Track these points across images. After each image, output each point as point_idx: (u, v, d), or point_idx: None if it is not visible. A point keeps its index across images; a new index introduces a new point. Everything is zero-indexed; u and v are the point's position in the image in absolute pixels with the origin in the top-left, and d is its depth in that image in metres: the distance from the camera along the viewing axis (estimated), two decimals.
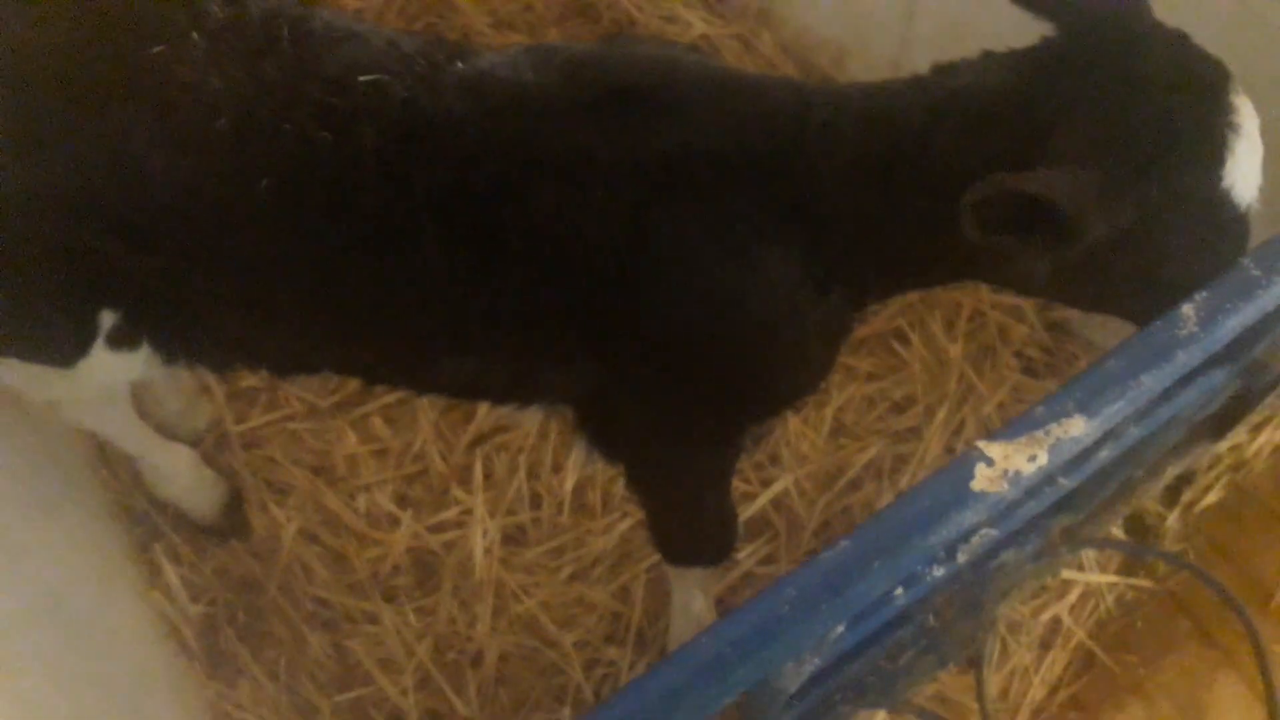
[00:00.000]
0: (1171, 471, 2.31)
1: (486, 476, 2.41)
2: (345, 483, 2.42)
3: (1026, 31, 2.25)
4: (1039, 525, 1.96)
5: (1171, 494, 2.47)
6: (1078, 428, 0.98)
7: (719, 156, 1.42)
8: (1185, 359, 1.02)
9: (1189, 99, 1.25)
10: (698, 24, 2.94)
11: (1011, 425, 0.99)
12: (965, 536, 1.32)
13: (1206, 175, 1.23)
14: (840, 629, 1.05)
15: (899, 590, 1.34)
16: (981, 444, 0.98)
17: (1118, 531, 2.38)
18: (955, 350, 2.55)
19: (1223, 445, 2.46)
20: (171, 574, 2.28)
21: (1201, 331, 1.03)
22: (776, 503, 2.39)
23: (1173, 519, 2.44)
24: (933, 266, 1.50)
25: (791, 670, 1.20)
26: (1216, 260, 1.21)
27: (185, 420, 2.40)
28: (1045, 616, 2.32)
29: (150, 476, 2.29)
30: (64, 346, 1.56)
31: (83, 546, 2.03)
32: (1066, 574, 2.34)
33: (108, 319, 1.53)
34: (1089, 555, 2.37)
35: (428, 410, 2.48)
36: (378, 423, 2.48)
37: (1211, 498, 2.48)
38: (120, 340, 1.56)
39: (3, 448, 1.93)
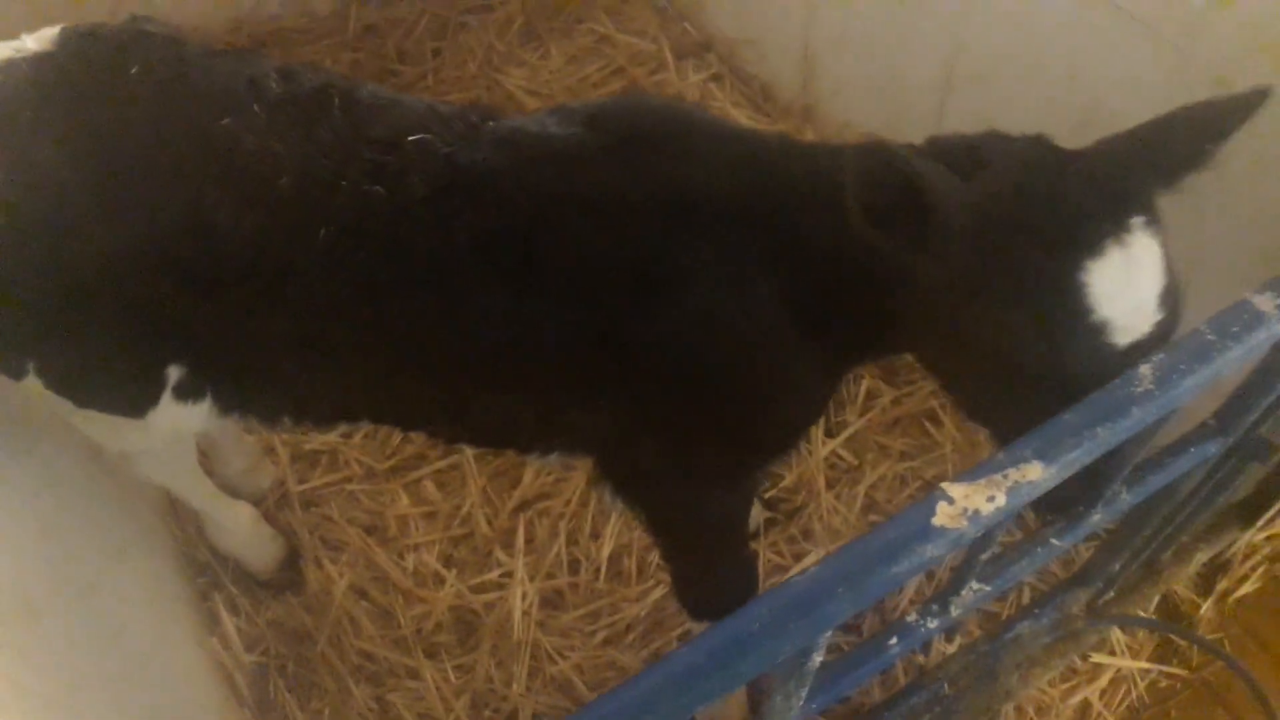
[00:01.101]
0: (1200, 556, 2.33)
1: (528, 541, 2.52)
2: (395, 542, 2.55)
3: (1050, 125, 2.37)
4: (1053, 599, 2.01)
5: (1206, 581, 2.47)
6: (1035, 473, 1.06)
7: (719, 197, 1.55)
8: (1140, 415, 1.10)
9: (1084, 216, 1.29)
10: (744, 121, 3.12)
11: (973, 469, 1.07)
12: (954, 589, 1.39)
13: (1076, 295, 1.23)
14: (818, 657, 1.13)
15: (892, 641, 1.42)
16: (945, 485, 1.06)
17: (1147, 615, 2.38)
18: (986, 433, 2.61)
19: (1260, 535, 2.46)
20: (229, 623, 2.41)
21: (1157, 390, 1.11)
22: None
23: (1207, 607, 2.44)
24: (885, 327, 1.57)
25: (781, 704, 1.28)
26: (1075, 394, 1.18)
27: (249, 480, 2.56)
28: (1075, 700, 2.32)
29: (212, 530, 2.44)
30: (136, 398, 1.72)
31: (147, 590, 2.18)
32: (1097, 657, 2.35)
33: (174, 373, 1.69)
34: (1120, 640, 2.38)
35: (476, 476, 2.61)
36: (429, 486, 2.62)
37: (1249, 587, 2.48)
38: (185, 392, 1.72)
39: (83, 495, 2.10)
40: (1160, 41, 2.06)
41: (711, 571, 1.95)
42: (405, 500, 2.60)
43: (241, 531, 2.43)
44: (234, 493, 2.48)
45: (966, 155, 1.45)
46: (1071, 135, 2.33)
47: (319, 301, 1.58)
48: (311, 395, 1.78)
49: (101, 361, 1.67)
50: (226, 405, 1.78)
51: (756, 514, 2.55)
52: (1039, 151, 1.42)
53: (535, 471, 2.61)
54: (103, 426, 1.84)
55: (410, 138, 1.56)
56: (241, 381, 1.74)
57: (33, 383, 1.68)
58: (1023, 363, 1.28)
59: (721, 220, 1.55)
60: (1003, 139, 1.49)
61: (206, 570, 2.49)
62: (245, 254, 1.54)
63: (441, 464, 2.64)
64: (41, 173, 1.50)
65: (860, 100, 2.90)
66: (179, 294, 1.57)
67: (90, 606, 1.86)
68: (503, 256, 1.57)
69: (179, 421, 1.77)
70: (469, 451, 2.62)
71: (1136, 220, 1.29)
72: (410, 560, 2.52)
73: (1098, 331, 1.24)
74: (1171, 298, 1.29)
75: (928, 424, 2.66)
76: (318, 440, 2.67)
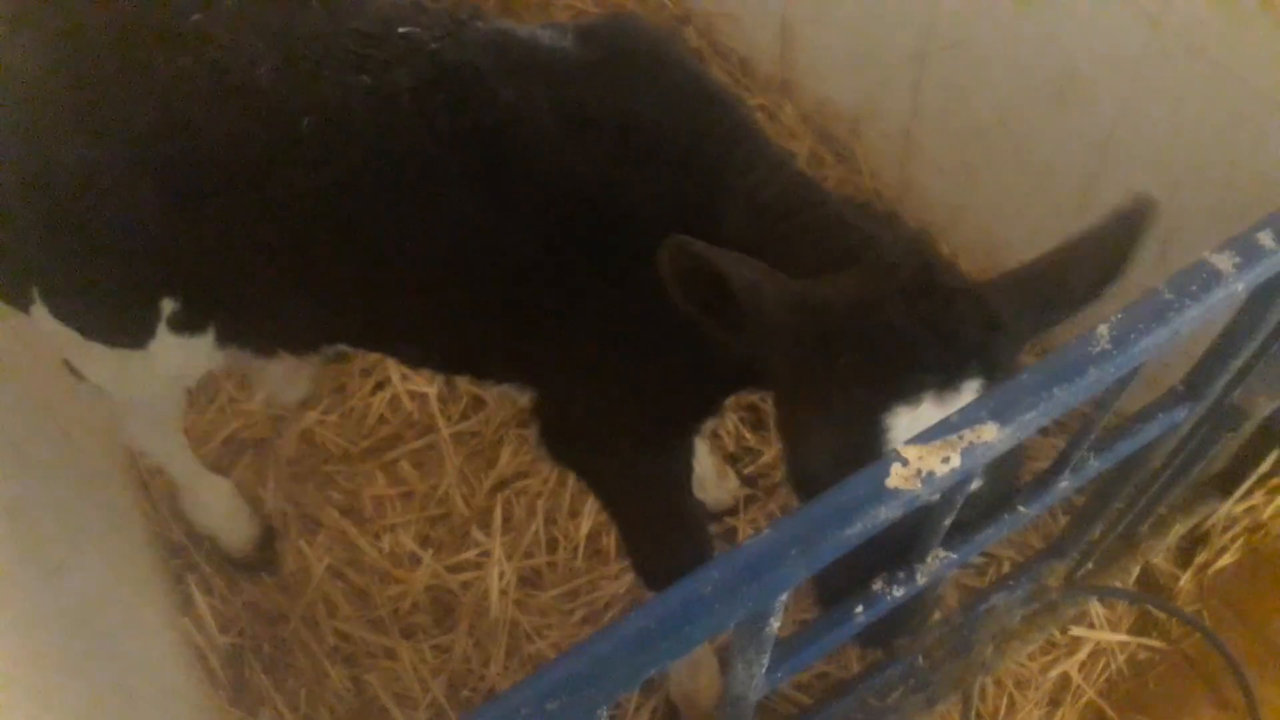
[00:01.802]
0: (1179, 529, 2.33)
1: (506, 520, 2.51)
2: (371, 523, 2.53)
3: (1026, 94, 2.35)
4: (1028, 570, 2.00)
5: (1185, 554, 2.47)
6: (990, 433, 1.05)
7: (666, 138, 1.53)
8: (1098, 375, 1.09)
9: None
10: None
11: (928, 430, 1.06)
12: (919, 556, 1.38)
13: (875, 436, 1.19)
14: (774, 622, 1.11)
15: (859, 609, 1.40)
16: (898, 446, 1.05)
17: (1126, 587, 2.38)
18: None
19: (1238, 507, 2.46)
20: (202, 604, 2.39)
21: (1114, 349, 1.09)
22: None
23: (1186, 579, 2.43)
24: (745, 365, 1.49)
25: (743, 673, 1.27)
26: None
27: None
28: (1054, 673, 2.32)
29: (189, 505, 2.43)
30: (133, 327, 1.71)
31: (118, 571, 2.16)
32: (1076, 631, 2.34)
33: (169, 303, 1.68)
34: (1099, 614, 2.37)
35: (453, 456, 2.60)
36: (406, 466, 2.60)
37: (1227, 559, 2.47)
38: (182, 323, 1.71)
39: (52, 475, 2.08)
40: (1135, 9, 2.04)
41: (657, 539, 1.93)
42: (382, 480, 2.59)
43: (219, 507, 2.42)
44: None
45: (842, 246, 1.39)
46: (1048, 104, 2.33)
47: (302, 201, 1.55)
48: (296, 315, 1.75)
49: (97, 286, 1.66)
50: (222, 336, 1.76)
51: (735, 490, 2.54)
52: (908, 267, 1.30)
53: (513, 450, 2.60)
54: (110, 366, 1.84)
55: (399, 29, 1.53)
56: (231, 306, 1.72)
57: (40, 313, 1.68)
58: (816, 474, 1.26)
59: (663, 163, 1.53)
60: (888, 233, 1.40)
61: (180, 551, 2.48)
62: (225, 153, 1.51)
63: (418, 444, 2.62)
64: (18, 80, 1.49)
65: (838, 73, 2.88)
66: (162, 207, 1.54)
67: (58, 586, 1.84)
68: (475, 158, 1.54)
69: (178, 355, 1.76)
70: (445, 431, 2.61)
71: (971, 383, 1.21)
72: (386, 540, 2.51)
73: None
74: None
75: None
76: (293, 420, 2.65)
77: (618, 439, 1.76)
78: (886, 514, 1.03)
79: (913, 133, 2.75)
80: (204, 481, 2.38)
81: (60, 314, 1.69)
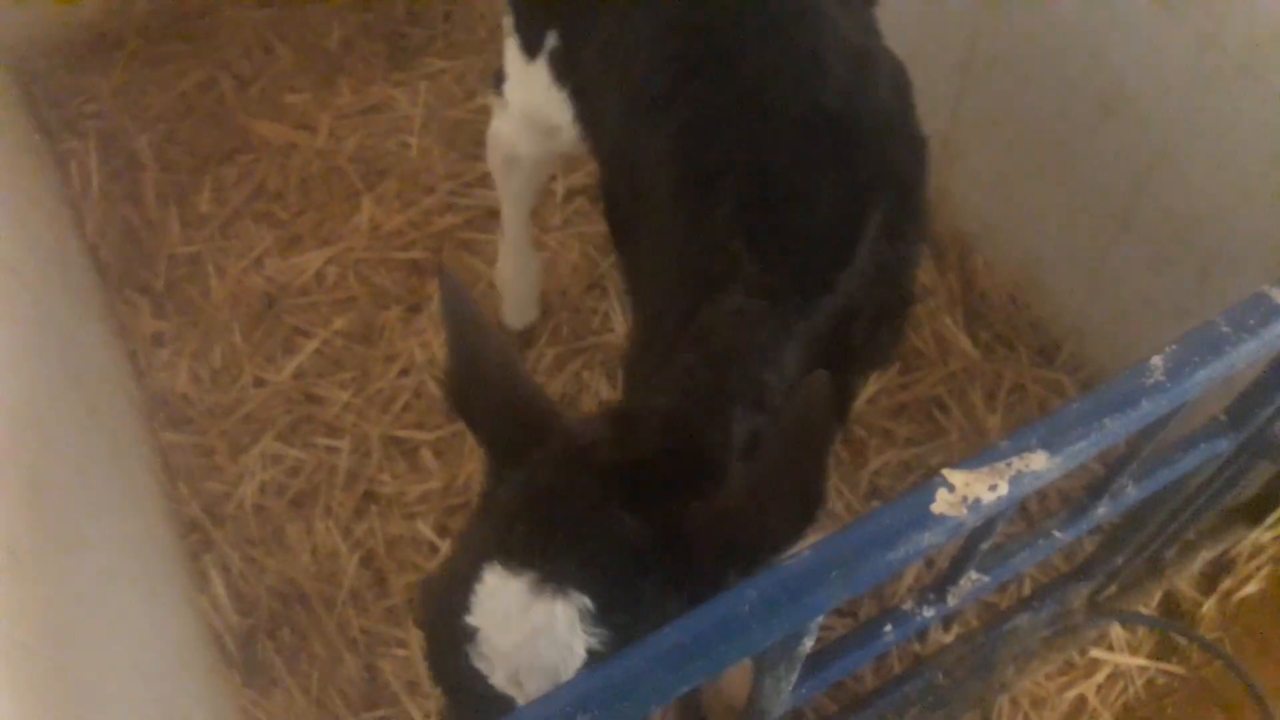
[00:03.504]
0: (1205, 555, 2.30)
1: None
2: (390, 510, 2.52)
3: (1071, 106, 2.32)
4: (1054, 591, 1.98)
5: (1209, 580, 2.44)
6: (1039, 462, 1.03)
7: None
8: (1150, 407, 1.07)
9: None
10: None
11: (976, 456, 1.04)
12: (952, 578, 1.36)
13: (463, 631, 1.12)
14: (809, 642, 1.10)
15: (887, 628, 1.39)
16: (945, 471, 1.03)
17: (1149, 612, 2.35)
18: (994, 421, 2.57)
19: (1266, 536, 2.43)
20: (218, 584, 2.39)
21: (1168, 382, 1.07)
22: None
23: (1209, 605, 2.40)
24: None
25: (770, 689, 1.25)
26: None
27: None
28: (1070, 694, 2.29)
29: (500, 263, 2.66)
30: (532, 44, 1.94)
31: (137, 547, 2.16)
32: (1095, 653, 2.32)
33: (551, 38, 1.88)
34: (1119, 636, 2.35)
35: (475, 447, 2.59)
36: (427, 454, 2.59)
37: (1252, 588, 2.44)
38: (553, 62, 1.90)
39: (73, 449, 2.07)
40: (1184, 25, 2.01)
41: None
42: (402, 466, 2.58)
43: (524, 279, 2.62)
44: None
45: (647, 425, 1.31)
46: (1092, 117, 2.29)
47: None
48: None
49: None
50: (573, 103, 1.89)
51: None
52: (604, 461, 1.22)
53: None
54: (519, 76, 2.06)
55: None
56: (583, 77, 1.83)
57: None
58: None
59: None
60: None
61: (197, 528, 2.47)
62: None
63: (441, 432, 2.61)
64: None
65: None
66: None
67: (77, 561, 1.84)
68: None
69: (546, 91, 1.93)
70: None
71: (570, 609, 1.09)
72: (404, 528, 2.49)
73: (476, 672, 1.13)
74: None
75: (935, 410, 2.62)
76: (321, 408, 2.64)
77: None
78: (931, 539, 1.01)
79: (952, 141, 2.71)
80: (527, 247, 2.58)
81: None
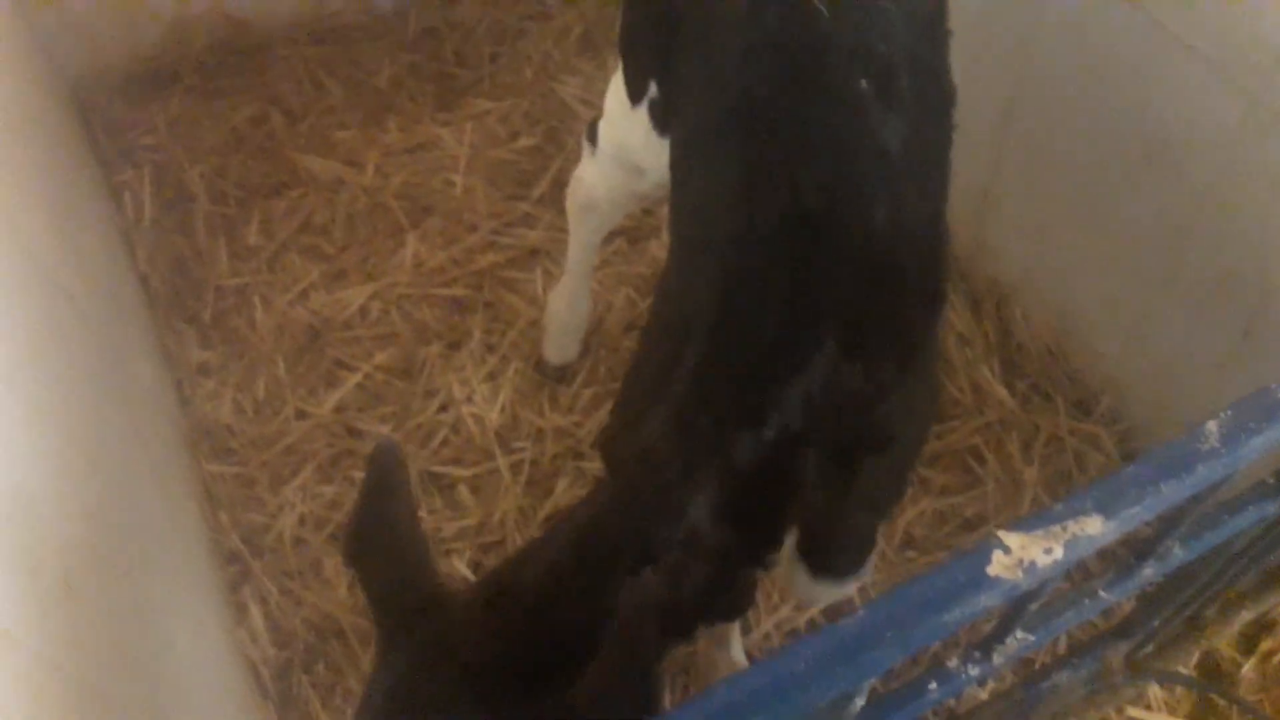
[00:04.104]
0: (1246, 615, 2.27)
1: None
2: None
3: (1113, 158, 2.33)
4: (1093, 650, 1.96)
5: (1249, 641, 2.41)
6: (1094, 526, 1.03)
7: None
8: (1206, 472, 1.07)
9: None
10: None
11: (1031, 519, 1.04)
12: (999, 637, 1.36)
13: None
14: (859, 701, 1.10)
15: (932, 685, 1.39)
16: (1001, 533, 1.04)
17: (1187, 672, 2.33)
18: (1030, 473, 2.57)
19: None
20: (256, 615, 2.41)
21: (1223, 448, 1.08)
22: (833, 610, 2.41)
23: (1249, 666, 2.37)
24: None
25: None
26: None
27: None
28: None
29: (554, 294, 2.70)
30: (637, 91, 2.00)
31: (180, 576, 2.19)
32: (1132, 712, 2.29)
33: (652, 86, 1.93)
34: (1157, 696, 2.32)
35: (511, 485, 2.61)
36: (464, 491, 2.61)
37: None
38: (653, 110, 1.96)
39: (124, 478, 2.11)
40: (1233, 86, 2.02)
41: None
42: (439, 502, 2.60)
43: (573, 317, 2.65)
44: None
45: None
46: (1134, 168, 2.30)
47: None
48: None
49: (634, 46, 2.02)
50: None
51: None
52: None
53: (569, 481, 2.60)
54: (620, 118, 2.10)
55: None
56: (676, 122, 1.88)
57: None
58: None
59: None
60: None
61: (237, 559, 2.50)
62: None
63: (478, 469, 2.63)
64: None
65: None
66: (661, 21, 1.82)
67: (125, 589, 1.87)
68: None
69: (643, 135, 2.00)
70: (503, 460, 2.61)
71: None
72: (440, 565, 2.51)
73: None
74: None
75: (970, 460, 2.62)
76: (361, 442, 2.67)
77: None
78: (986, 601, 1.01)
79: (991, 191, 2.73)
80: (583, 287, 2.62)
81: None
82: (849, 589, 1.95)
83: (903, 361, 1.55)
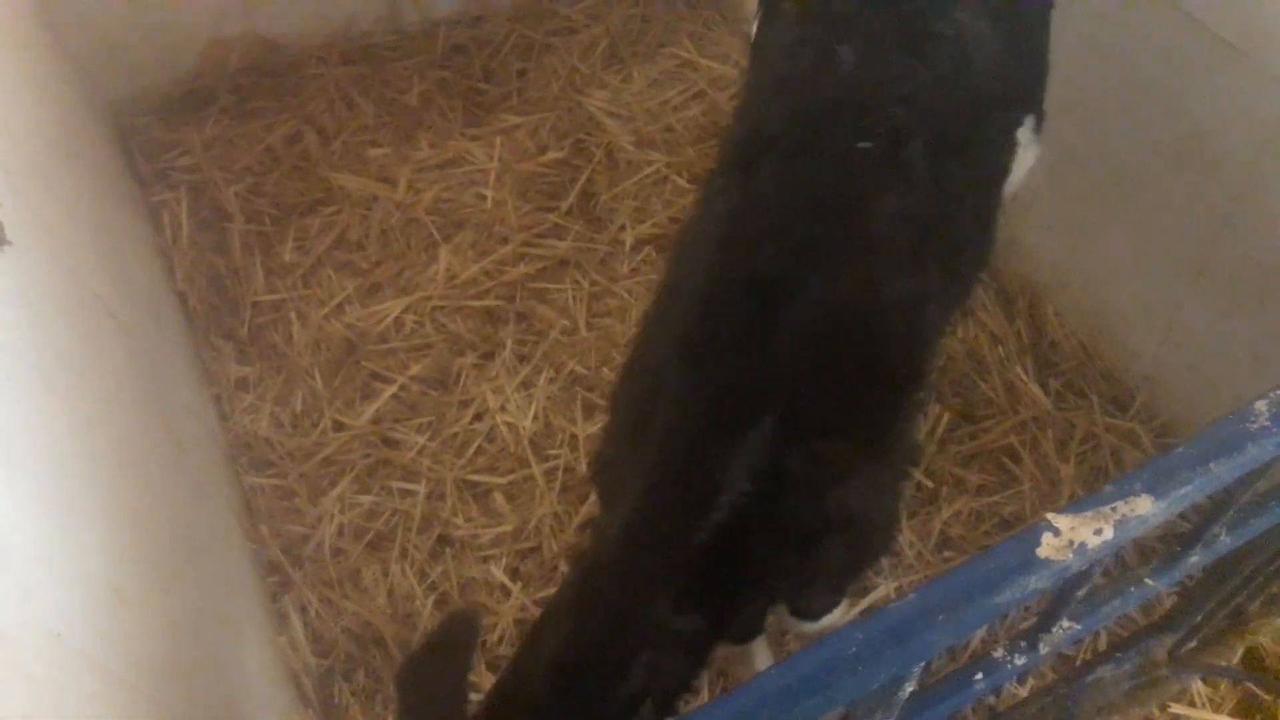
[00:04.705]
0: None
1: None
2: (463, 554, 2.56)
3: (1145, 153, 2.32)
4: (1138, 643, 1.95)
5: None
6: (1145, 507, 1.03)
7: None
8: (1256, 452, 1.07)
9: None
10: None
11: (1081, 501, 1.05)
12: (1045, 627, 1.36)
13: None
14: (910, 687, 1.10)
15: (979, 676, 1.38)
16: (1050, 515, 1.04)
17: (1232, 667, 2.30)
18: (1067, 470, 2.56)
19: None
20: (297, 624, 2.43)
21: (1273, 426, 1.07)
22: (869, 611, 2.40)
23: None
24: None
25: None
26: None
27: None
28: None
29: None
30: None
31: (223, 585, 2.21)
32: (1176, 708, 2.27)
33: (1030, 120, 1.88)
34: (1201, 692, 2.30)
35: (546, 492, 2.62)
36: (499, 498, 2.63)
37: None
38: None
39: (167, 488, 2.14)
40: (1266, 76, 2.02)
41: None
42: (475, 510, 2.61)
43: None
44: None
45: None
46: (1167, 168, 2.30)
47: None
48: None
49: None
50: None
51: None
52: None
53: None
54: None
55: None
56: None
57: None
58: None
59: None
60: None
61: (277, 570, 2.52)
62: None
63: (513, 476, 2.65)
64: None
65: None
66: None
67: (172, 597, 1.90)
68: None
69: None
70: (538, 468, 2.63)
71: None
72: (478, 571, 2.52)
73: None
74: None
75: (1006, 460, 2.61)
76: (397, 452, 2.70)
77: None
78: (1036, 584, 1.02)
79: (1024, 190, 2.73)
80: None
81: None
82: (831, 620, 1.97)
83: (863, 444, 1.51)
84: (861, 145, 1.50)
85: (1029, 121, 1.92)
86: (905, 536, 2.51)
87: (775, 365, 1.43)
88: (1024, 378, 2.72)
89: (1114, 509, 1.03)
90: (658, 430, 1.47)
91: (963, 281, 1.76)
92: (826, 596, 1.89)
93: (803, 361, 1.43)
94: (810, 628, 1.95)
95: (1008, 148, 1.82)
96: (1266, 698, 2.32)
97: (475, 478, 2.65)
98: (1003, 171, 1.83)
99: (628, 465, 1.52)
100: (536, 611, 2.44)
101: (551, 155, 3.20)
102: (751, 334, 1.44)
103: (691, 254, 1.62)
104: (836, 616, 1.96)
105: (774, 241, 1.48)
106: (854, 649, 0.99)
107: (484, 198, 3.10)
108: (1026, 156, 1.96)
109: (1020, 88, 1.84)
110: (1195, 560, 1.42)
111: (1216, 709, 2.31)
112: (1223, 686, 2.32)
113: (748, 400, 1.42)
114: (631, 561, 1.45)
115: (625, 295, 2.93)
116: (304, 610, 2.47)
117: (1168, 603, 2.18)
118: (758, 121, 1.65)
